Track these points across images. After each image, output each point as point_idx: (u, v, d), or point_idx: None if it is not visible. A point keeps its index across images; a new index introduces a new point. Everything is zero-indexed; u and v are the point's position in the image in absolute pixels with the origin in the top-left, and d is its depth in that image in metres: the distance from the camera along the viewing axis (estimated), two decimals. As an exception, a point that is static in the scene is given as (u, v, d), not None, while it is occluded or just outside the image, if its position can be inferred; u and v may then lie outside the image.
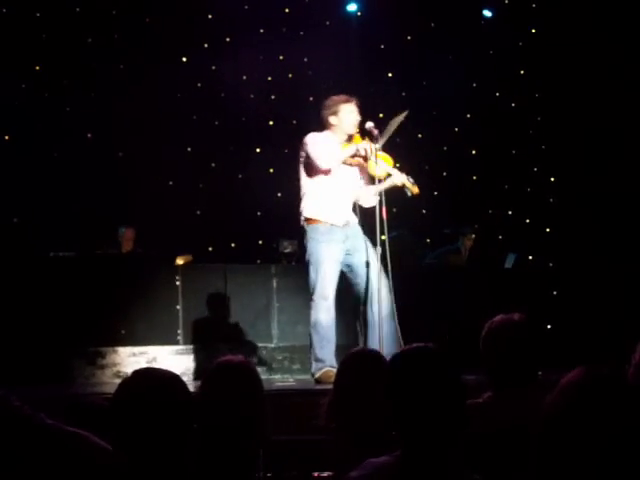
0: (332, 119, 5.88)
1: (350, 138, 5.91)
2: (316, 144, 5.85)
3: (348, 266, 5.92)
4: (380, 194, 5.84)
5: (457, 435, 2.16)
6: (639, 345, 3.22)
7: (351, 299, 6.00)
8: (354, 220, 5.97)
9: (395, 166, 5.98)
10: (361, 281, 5.87)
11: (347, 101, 5.87)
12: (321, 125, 5.95)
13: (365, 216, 6.02)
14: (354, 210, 5.99)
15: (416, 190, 5.90)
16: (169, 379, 2.26)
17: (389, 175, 5.86)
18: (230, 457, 2.53)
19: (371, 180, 5.97)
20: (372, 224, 5.82)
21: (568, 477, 1.69)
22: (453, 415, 2.16)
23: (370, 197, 5.97)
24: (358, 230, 5.94)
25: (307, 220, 5.90)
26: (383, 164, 5.85)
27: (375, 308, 5.73)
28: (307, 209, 5.91)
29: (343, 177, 5.92)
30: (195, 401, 2.50)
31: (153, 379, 2.24)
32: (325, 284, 5.82)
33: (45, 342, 6.58)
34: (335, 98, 5.90)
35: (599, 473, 1.67)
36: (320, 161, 5.78)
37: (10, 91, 8.58)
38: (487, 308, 3.56)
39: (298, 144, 5.95)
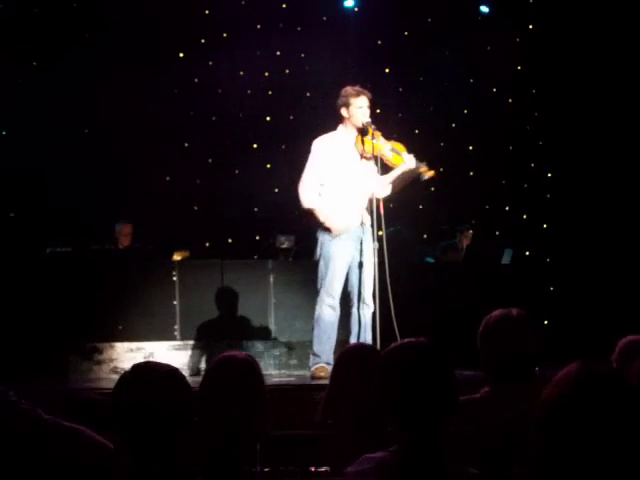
0: (343, 111, 5.82)
1: (364, 132, 5.77)
2: (310, 168, 5.85)
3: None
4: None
5: (451, 429, 2.17)
6: (618, 346, 3.24)
7: (346, 297, 6.00)
8: (367, 220, 5.85)
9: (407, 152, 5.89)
10: (355, 280, 5.86)
11: (358, 94, 5.77)
12: (335, 116, 5.90)
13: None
14: (370, 207, 5.83)
15: (431, 173, 5.83)
16: (168, 373, 2.26)
17: (402, 162, 5.81)
18: (228, 451, 2.54)
19: (386, 169, 5.89)
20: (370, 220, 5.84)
21: (565, 469, 1.70)
22: (447, 409, 2.16)
23: (384, 187, 5.91)
24: (366, 231, 5.84)
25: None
26: (394, 151, 5.80)
27: (362, 309, 5.77)
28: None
29: (356, 176, 5.83)
30: (196, 394, 2.50)
31: (153, 373, 2.25)
32: (332, 281, 5.82)
33: (42, 338, 6.57)
34: (348, 89, 5.80)
35: (594, 466, 1.67)
36: (301, 196, 5.81)
37: (6, 86, 8.57)
38: (484, 304, 3.56)
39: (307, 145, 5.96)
